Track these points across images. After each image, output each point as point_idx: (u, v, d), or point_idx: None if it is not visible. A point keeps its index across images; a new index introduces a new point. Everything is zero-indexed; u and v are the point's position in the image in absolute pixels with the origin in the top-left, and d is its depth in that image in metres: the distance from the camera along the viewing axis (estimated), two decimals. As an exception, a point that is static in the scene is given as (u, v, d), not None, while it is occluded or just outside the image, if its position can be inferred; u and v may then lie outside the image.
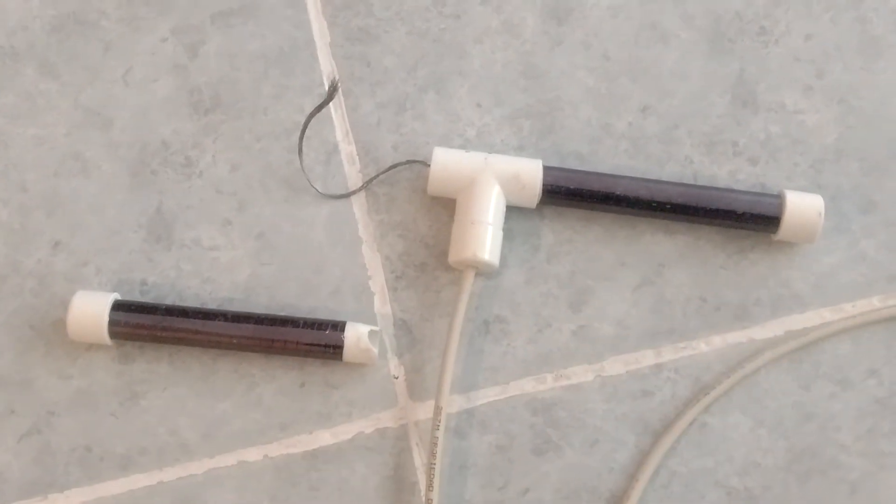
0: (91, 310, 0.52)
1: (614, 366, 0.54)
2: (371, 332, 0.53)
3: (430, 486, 0.50)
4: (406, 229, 0.56)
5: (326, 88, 0.58)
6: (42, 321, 0.55)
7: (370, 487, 0.52)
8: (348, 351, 0.52)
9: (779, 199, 0.54)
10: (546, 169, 0.54)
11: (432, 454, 0.51)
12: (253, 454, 0.53)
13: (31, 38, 0.59)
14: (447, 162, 0.54)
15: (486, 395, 0.54)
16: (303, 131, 0.55)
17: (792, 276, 0.56)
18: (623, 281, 0.56)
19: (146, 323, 0.53)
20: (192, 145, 0.57)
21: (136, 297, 0.55)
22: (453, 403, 0.54)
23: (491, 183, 0.54)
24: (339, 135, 0.58)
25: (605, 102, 0.58)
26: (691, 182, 0.57)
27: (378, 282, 0.55)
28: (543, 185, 0.54)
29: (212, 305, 0.55)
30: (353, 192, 0.57)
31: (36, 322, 0.55)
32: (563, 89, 0.58)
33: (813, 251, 0.56)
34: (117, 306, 0.53)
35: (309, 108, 0.56)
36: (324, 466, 0.53)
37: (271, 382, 0.54)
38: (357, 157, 0.57)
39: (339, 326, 0.53)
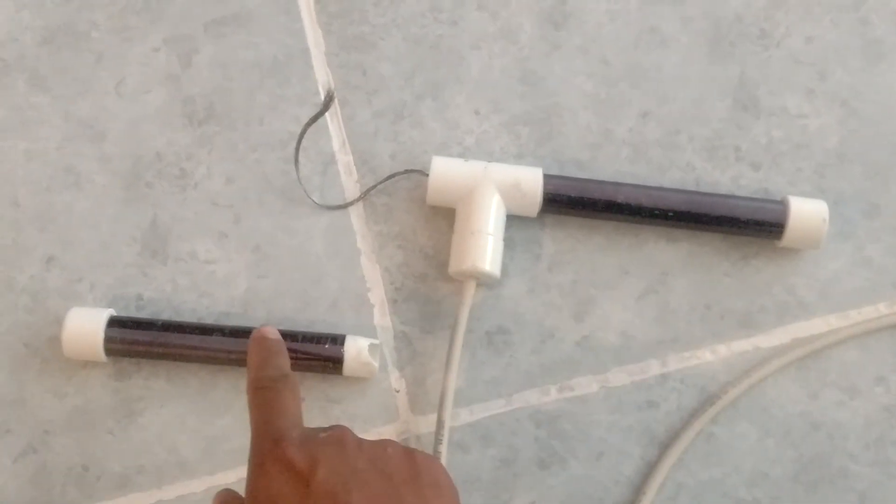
0: (86, 327, 0.51)
1: (619, 376, 0.54)
2: (371, 346, 0.52)
3: (433, 502, 0.50)
4: (405, 240, 0.55)
5: (322, 98, 0.57)
6: (36, 338, 0.54)
7: None
8: (348, 365, 0.51)
9: (782, 205, 0.54)
10: (546, 177, 0.53)
11: (435, 469, 0.50)
12: (253, 471, 0.52)
13: (21, 51, 0.58)
14: (446, 171, 0.53)
15: (490, 408, 0.53)
16: (299, 142, 0.55)
17: (797, 282, 0.55)
18: (626, 290, 0.55)
19: (142, 339, 0.52)
20: (187, 157, 0.56)
21: (132, 312, 0.54)
22: (456, 417, 0.53)
23: (491, 192, 0.53)
24: (335, 145, 0.57)
25: (605, 108, 0.58)
26: (693, 188, 0.56)
27: (377, 294, 0.55)
28: (544, 193, 0.53)
29: (209, 320, 0.54)
30: (351, 203, 0.56)
31: (30, 340, 0.54)
32: (562, 95, 0.58)
33: (817, 257, 0.55)
34: (112, 323, 0.52)
35: (304, 118, 0.55)
36: (325, 483, 0.52)
37: (270, 398, 0.53)
38: (354, 167, 0.57)
39: (338, 340, 0.52)
